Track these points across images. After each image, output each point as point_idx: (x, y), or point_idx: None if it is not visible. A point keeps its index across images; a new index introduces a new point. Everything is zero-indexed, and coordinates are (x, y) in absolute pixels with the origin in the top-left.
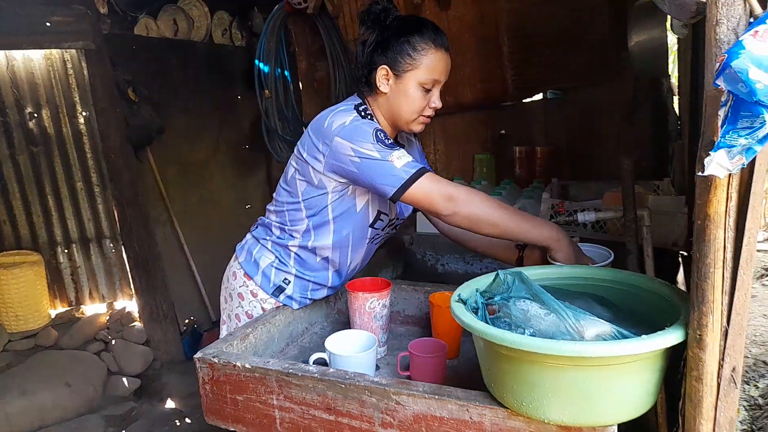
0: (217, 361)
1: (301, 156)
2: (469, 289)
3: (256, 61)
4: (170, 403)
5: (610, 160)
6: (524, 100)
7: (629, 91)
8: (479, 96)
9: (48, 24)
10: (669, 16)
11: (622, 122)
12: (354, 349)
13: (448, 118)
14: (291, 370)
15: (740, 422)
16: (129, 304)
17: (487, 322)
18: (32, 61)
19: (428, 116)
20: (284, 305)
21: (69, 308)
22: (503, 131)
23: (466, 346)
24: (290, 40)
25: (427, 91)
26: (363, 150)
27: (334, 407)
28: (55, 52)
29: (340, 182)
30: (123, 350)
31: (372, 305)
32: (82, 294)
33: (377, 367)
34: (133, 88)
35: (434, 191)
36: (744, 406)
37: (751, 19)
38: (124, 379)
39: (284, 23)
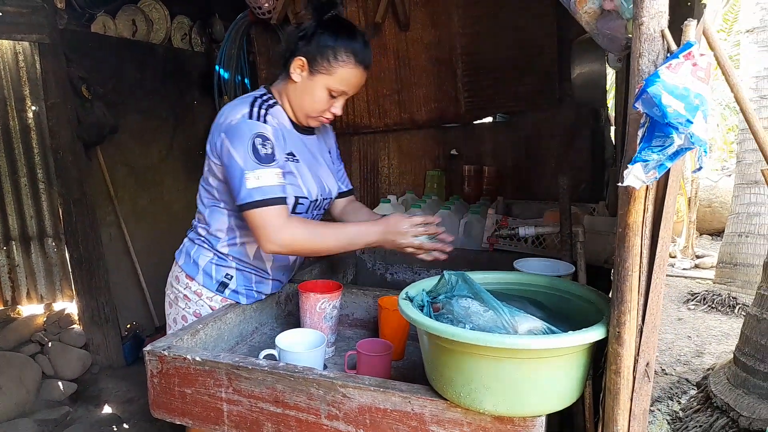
0: (167, 354)
1: (209, 154)
2: (416, 288)
3: (217, 67)
4: (107, 409)
5: (552, 181)
6: (475, 122)
7: (570, 118)
8: (433, 115)
9: (0, 14)
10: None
11: (563, 147)
12: (303, 347)
13: (402, 134)
14: (241, 364)
15: None
16: (69, 305)
17: (431, 318)
18: None
19: (327, 118)
20: (232, 301)
21: (4, 308)
22: (454, 150)
23: (410, 350)
24: (251, 49)
25: (333, 97)
26: (233, 153)
27: (282, 400)
28: (6, 44)
29: None
30: (60, 353)
31: (323, 306)
32: (19, 293)
33: (325, 366)
34: (87, 85)
35: (263, 227)
36: (667, 420)
37: (668, 54)
38: (60, 383)
39: (247, 31)
